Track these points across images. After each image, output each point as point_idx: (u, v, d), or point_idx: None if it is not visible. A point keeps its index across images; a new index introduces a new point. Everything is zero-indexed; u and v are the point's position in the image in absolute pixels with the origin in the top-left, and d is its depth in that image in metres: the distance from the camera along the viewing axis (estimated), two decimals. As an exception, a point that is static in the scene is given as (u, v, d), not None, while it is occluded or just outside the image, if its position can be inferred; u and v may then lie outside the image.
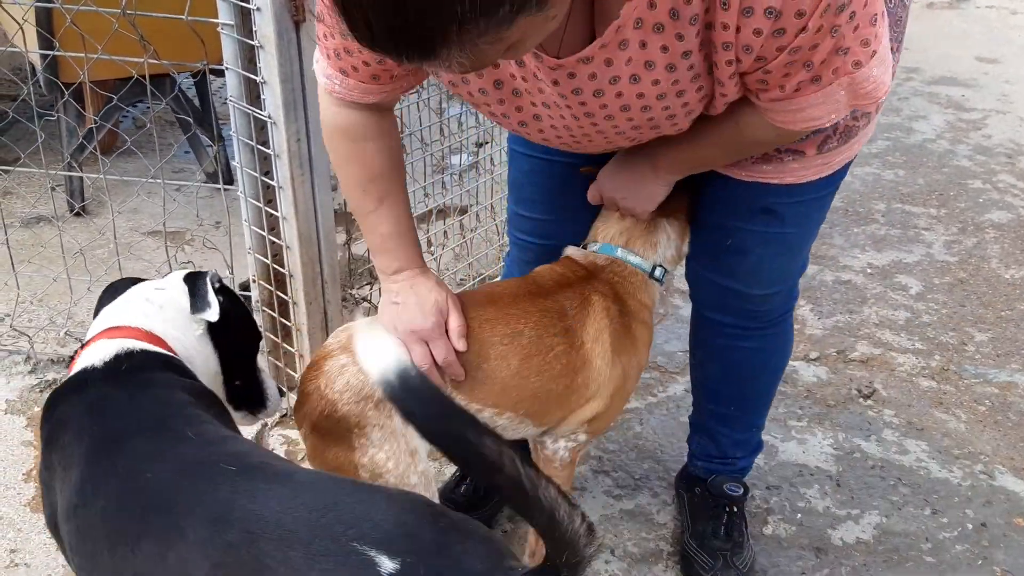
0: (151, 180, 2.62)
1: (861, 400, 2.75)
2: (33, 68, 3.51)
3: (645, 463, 2.48)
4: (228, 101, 2.21)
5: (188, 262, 3.04)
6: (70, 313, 2.82)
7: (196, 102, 3.65)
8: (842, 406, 2.72)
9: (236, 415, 1.68)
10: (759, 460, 2.49)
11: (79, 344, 1.59)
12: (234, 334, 1.65)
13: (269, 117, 2.12)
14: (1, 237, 2.75)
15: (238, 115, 2.22)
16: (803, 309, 3.21)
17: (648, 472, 2.45)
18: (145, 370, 1.45)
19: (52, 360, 2.70)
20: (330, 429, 1.63)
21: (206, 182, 3.79)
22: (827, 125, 1.42)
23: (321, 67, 1.56)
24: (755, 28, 1.24)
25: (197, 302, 1.56)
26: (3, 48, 3.07)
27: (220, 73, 3.54)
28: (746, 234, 1.77)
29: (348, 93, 1.54)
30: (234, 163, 2.30)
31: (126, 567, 1.20)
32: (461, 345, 1.64)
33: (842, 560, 2.19)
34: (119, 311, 1.56)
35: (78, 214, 3.44)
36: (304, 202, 2.21)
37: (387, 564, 1.03)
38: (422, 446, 1.67)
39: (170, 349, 1.52)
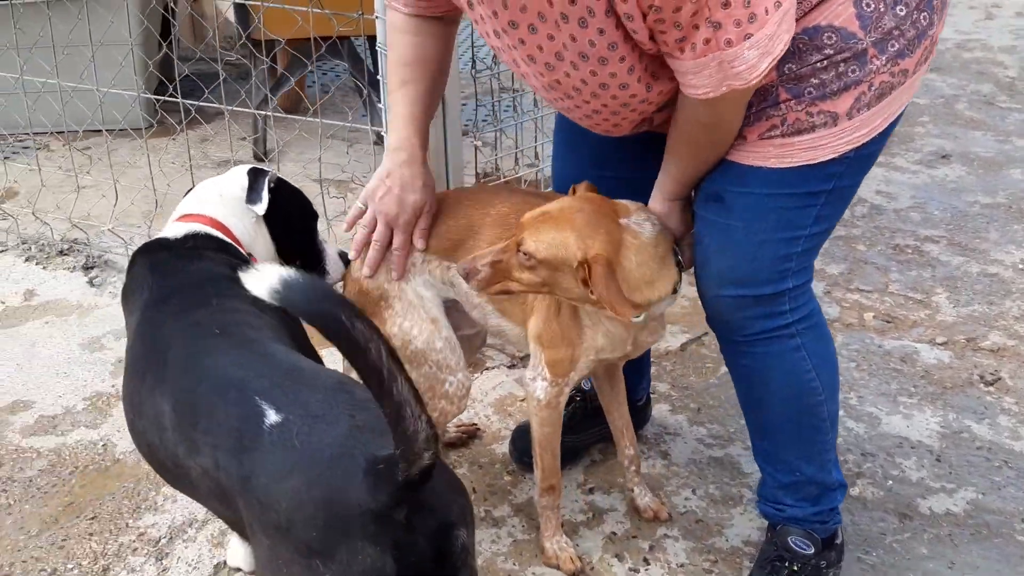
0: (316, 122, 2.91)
1: (982, 386, 2.69)
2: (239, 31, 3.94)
3: (742, 420, 2.53)
4: (378, 46, 2.46)
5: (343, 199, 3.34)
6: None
7: (370, 64, 3.97)
8: (959, 389, 2.67)
9: None
10: (859, 428, 2.50)
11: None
12: (287, 222, 1.95)
13: (409, 61, 2.35)
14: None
15: (383, 60, 2.45)
16: (939, 296, 3.14)
17: (742, 428, 2.49)
18: (202, 247, 1.78)
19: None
20: (363, 305, 1.92)
21: (376, 141, 4.11)
22: (702, 96, 1.49)
23: None
24: None
25: (251, 195, 1.89)
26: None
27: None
28: (698, 221, 1.76)
29: (404, 6, 1.80)
30: (380, 106, 2.55)
31: (138, 395, 1.55)
32: (420, 244, 1.90)
33: (926, 527, 2.18)
34: (190, 202, 1.90)
35: (261, 159, 3.83)
36: (436, 142, 2.43)
37: (272, 416, 1.30)
38: (441, 315, 1.93)
39: (230, 233, 1.85)
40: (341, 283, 2.04)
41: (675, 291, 1.79)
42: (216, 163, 3.94)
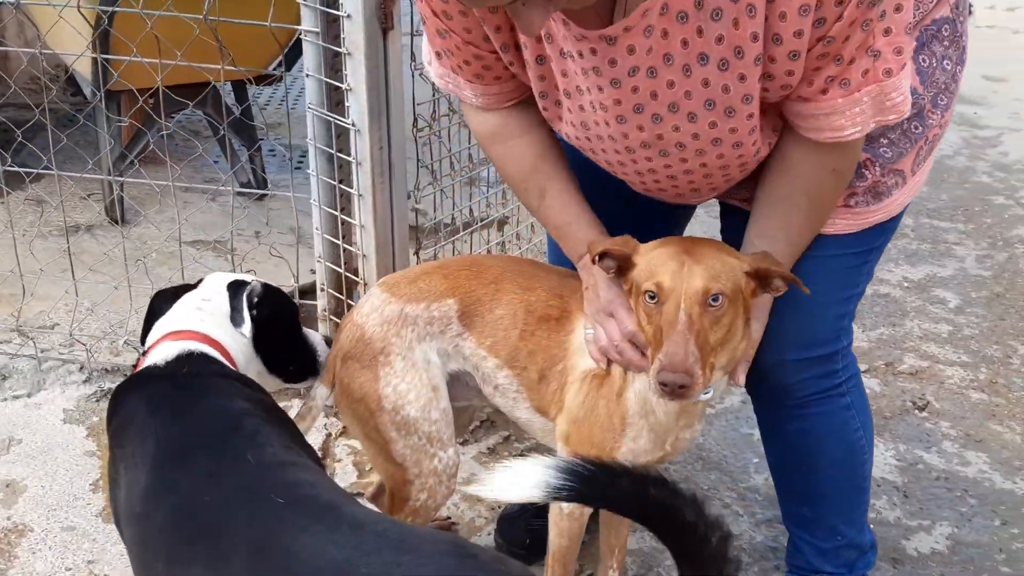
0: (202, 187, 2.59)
1: (916, 412, 2.77)
2: (67, 74, 3.47)
3: (711, 474, 2.49)
4: (307, 108, 2.20)
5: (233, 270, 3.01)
6: (122, 322, 2.79)
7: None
8: (899, 418, 2.74)
9: (298, 386, 1.84)
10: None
11: (139, 351, 1.69)
12: (275, 335, 1.73)
13: (353, 124, 2.12)
14: (40, 244, 2.71)
15: (316, 122, 2.21)
16: (847, 322, 3.23)
17: (716, 483, 2.45)
18: (201, 373, 1.53)
19: (107, 369, 2.67)
20: (359, 355, 1.73)
21: (240, 191, 3.76)
22: (848, 137, 1.40)
23: (435, 68, 1.61)
24: (800, 7, 1.25)
25: (235, 316, 1.66)
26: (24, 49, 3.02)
27: (260, 80, 3.54)
28: None
29: (471, 98, 1.60)
30: (309, 171, 2.29)
31: None
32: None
33: (919, 571, 2.20)
34: (176, 317, 1.66)
35: (117, 223, 3.40)
36: (383, 210, 2.21)
37: None
38: (443, 384, 1.75)
39: (225, 352, 1.61)
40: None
41: None
42: (60, 229, 3.45)
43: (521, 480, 1.00)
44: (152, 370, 1.52)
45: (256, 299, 1.68)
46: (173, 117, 3.71)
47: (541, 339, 1.70)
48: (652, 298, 1.48)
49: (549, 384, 1.71)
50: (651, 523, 1.07)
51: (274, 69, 3.40)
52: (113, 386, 2.61)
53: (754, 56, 1.31)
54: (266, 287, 1.74)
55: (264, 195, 3.70)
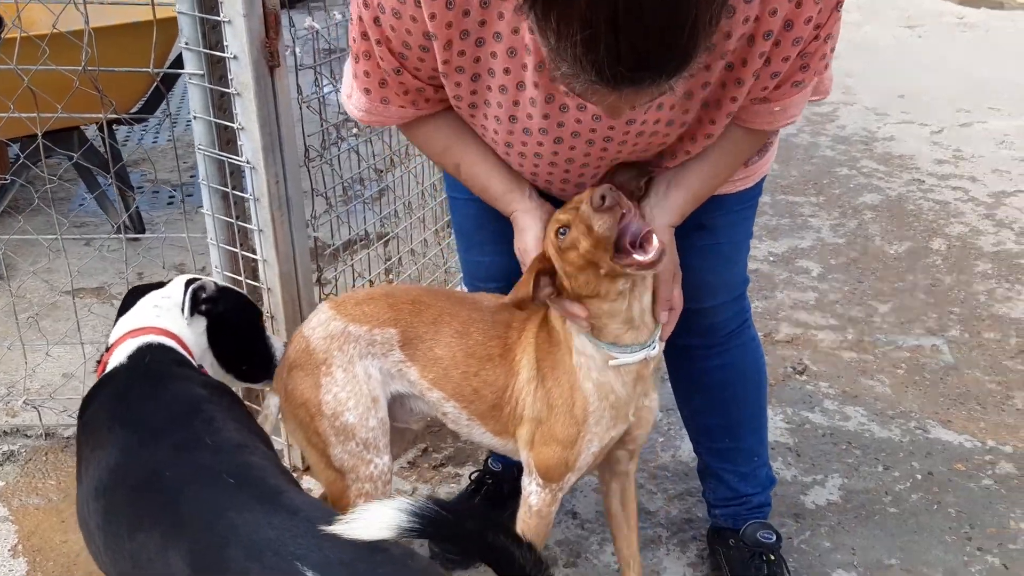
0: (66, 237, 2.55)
1: (797, 376, 3.00)
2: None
3: (622, 458, 2.63)
4: (197, 149, 2.21)
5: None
6: (14, 382, 2.71)
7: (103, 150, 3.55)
8: (782, 383, 2.96)
9: (253, 386, 1.97)
10: (724, 442, 2.68)
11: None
12: (227, 334, 1.87)
13: (248, 162, 2.14)
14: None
15: (208, 163, 2.22)
16: (724, 300, 3.44)
17: (627, 466, 2.60)
18: (162, 361, 1.69)
19: (6, 432, 2.60)
20: (303, 364, 1.83)
21: (114, 234, 3.68)
22: (790, 121, 1.62)
23: (359, 102, 1.64)
24: (793, 39, 1.43)
25: (184, 307, 1.80)
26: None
27: (122, 122, 3.49)
28: (685, 251, 1.78)
29: (399, 120, 1.68)
30: (203, 211, 2.30)
31: (142, 552, 1.39)
32: None
33: (819, 523, 2.40)
34: (136, 315, 1.80)
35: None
36: (284, 243, 2.24)
37: None
38: (383, 396, 1.85)
39: (183, 343, 1.76)
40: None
41: None
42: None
43: (375, 522, 1.16)
44: (117, 368, 1.66)
45: (205, 294, 1.81)
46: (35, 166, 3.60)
47: (486, 377, 1.80)
48: (563, 233, 1.59)
49: (503, 409, 1.81)
50: (489, 562, 1.24)
51: (138, 111, 3.36)
52: (15, 448, 2.57)
53: (751, 72, 1.47)
54: (222, 288, 1.87)
55: (138, 236, 3.65)
